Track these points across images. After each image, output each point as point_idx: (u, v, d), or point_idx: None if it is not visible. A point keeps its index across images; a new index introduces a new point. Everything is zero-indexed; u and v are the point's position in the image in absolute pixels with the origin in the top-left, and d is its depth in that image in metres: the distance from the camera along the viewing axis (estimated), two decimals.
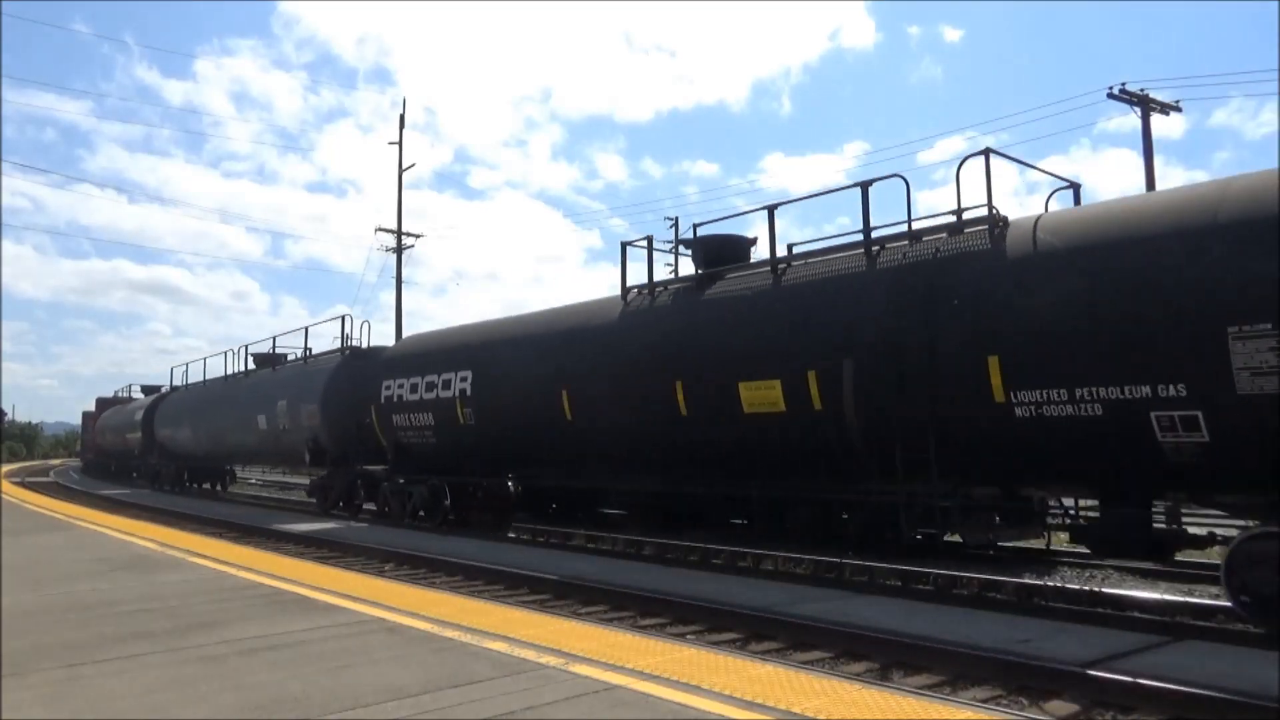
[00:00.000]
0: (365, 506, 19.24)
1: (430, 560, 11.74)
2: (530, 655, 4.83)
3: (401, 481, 17.03)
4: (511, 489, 16.10)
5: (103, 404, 45.53)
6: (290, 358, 23.75)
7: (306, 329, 23.04)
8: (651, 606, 8.43)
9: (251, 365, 25.43)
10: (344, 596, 6.83)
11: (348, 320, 20.97)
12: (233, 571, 8.32)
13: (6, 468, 54.91)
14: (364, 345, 20.49)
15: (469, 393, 14.54)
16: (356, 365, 19.34)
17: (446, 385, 15.06)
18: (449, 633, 5.43)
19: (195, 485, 31.92)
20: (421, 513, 16.54)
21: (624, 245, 12.75)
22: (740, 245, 12.11)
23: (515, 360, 13.81)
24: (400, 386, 16.29)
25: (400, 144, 33.39)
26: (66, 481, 38.15)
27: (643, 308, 12.15)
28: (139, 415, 33.62)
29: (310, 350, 22.78)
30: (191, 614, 6.15)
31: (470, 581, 10.46)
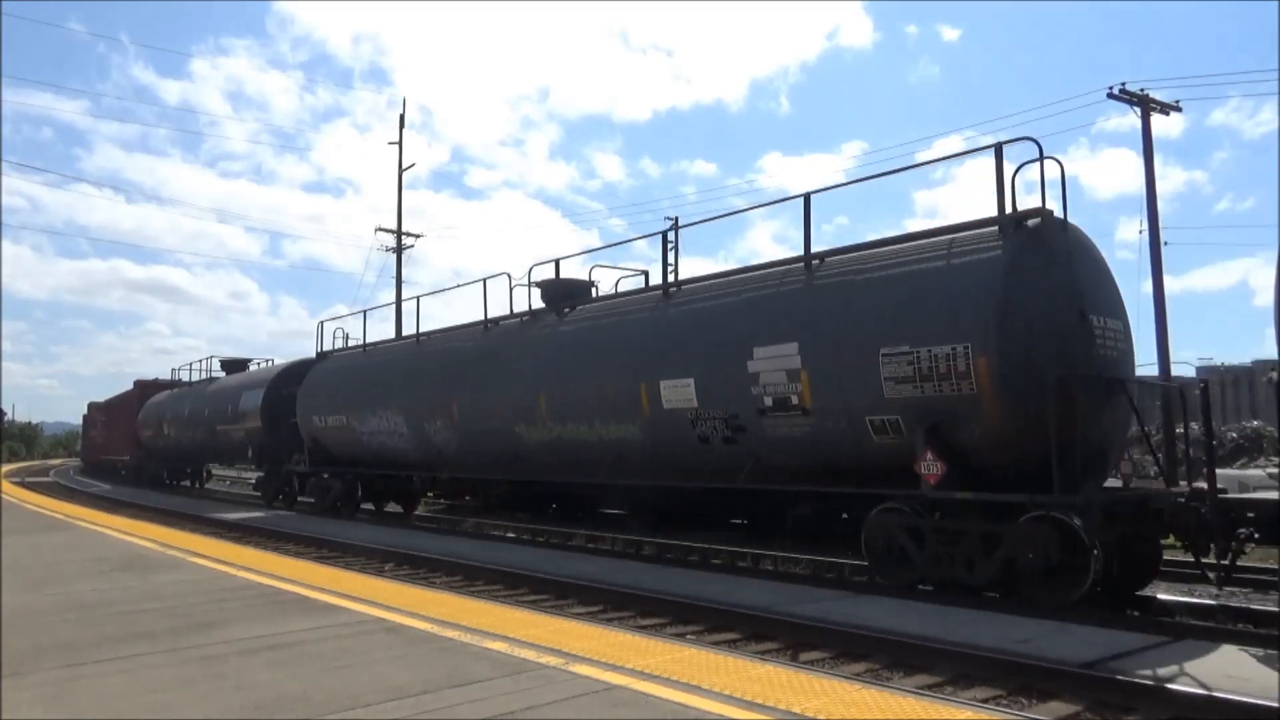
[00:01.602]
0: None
1: (430, 560, 11.73)
2: (530, 655, 4.83)
3: None
4: None
5: (146, 387, 34.98)
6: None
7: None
8: (652, 606, 8.44)
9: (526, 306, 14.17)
10: (344, 596, 6.83)
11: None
12: (232, 571, 8.32)
13: (6, 468, 54.91)
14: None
15: None
16: (1052, 254, 8.48)
17: None
18: (449, 633, 5.44)
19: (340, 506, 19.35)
20: None
21: None
22: None
23: None
24: None
25: (400, 144, 33.40)
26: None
27: None
28: (250, 398, 22.73)
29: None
30: (191, 614, 6.15)
31: (470, 581, 10.46)
